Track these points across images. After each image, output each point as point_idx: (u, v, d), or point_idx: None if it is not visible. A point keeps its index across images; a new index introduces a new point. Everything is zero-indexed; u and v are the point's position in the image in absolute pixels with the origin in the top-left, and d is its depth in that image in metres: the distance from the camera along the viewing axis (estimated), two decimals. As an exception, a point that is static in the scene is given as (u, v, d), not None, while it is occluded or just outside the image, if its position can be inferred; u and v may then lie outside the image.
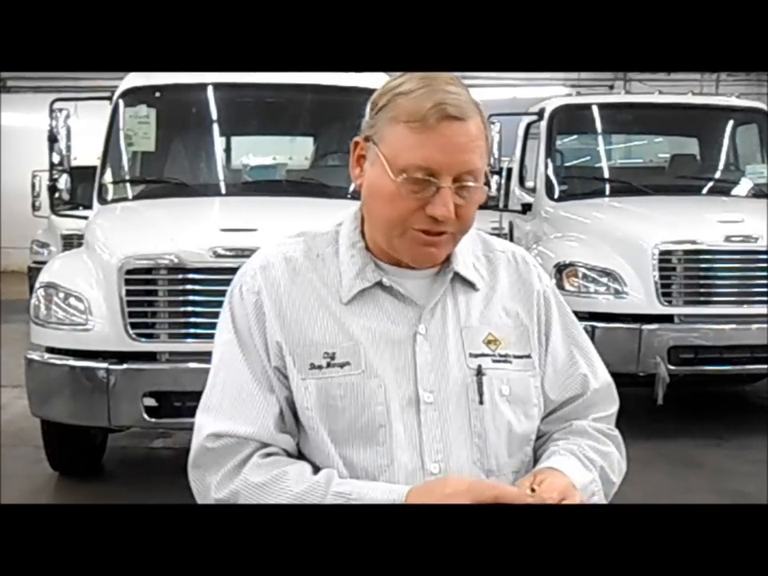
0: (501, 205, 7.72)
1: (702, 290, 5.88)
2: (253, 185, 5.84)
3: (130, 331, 4.47)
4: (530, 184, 7.62)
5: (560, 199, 7.03)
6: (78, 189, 5.95)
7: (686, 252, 5.85)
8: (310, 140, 6.27)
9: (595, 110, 7.48)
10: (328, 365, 1.42)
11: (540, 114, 7.39)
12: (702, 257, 5.85)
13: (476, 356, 1.46)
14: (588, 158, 7.99)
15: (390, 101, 1.39)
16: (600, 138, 7.62)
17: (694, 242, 5.86)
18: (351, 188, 5.26)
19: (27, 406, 4.76)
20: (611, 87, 15.26)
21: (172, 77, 5.27)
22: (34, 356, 4.65)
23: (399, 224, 1.40)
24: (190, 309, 4.47)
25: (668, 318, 5.82)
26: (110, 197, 5.49)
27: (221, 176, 5.73)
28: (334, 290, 1.46)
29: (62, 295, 4.65)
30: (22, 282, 11.50)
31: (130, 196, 5.57)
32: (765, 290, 5.79)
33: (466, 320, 1.48)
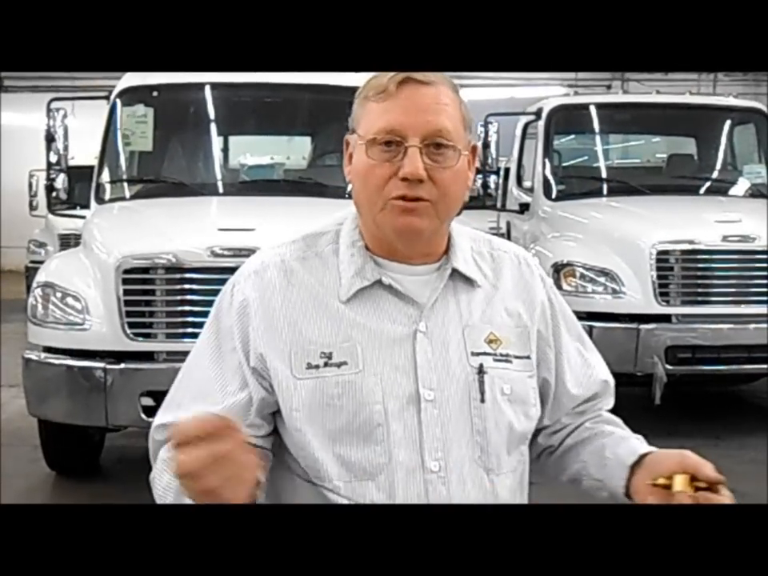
0: (498, 205, 7.73)
1: (699, 290, 5.89)
2: (250, 184, 5.84)
3: (128, 331, 4.47)
4: (527, 184, 7.62)
5: (557, 199, 7.04)
6: (75, 188, 5.95)
7: (684, 252, 5.85)
8: (307, 139, 6.27)
9: (593, 109, 7.49)
10: (325, 364, 1.41)
11: (538, 113, 7.39)
12: (699, 257, 5.86)
13: (477, 355, 1.46)
14: (586, 157, 8.00)
15: (363, 88, 1.44)
16: (597, 138, 7.62)
17: (691, 242, 5.86)
18: (349, 187, 5.26)
19: (25, 405, 4.76)
20: (609, 87, 15.27)
21: (169, 76, 5.27)
22: (32, 355, 4.65)
23: (377, 195, 1.40)
24: (187, 308, 4.47)
25: (665, 318, 5.82)
26: (107, 196, 5.49)
27: (218, 176, 5.73)
28: (332, 289, 1.46)
29: (59, 295, 4.64)
30: (19, 282, 11.50)
31: (128, 195, 5.57)
32: (762, 289, 5.79)
33: (468, 318, 1.48)
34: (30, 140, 8.69)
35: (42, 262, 6.25)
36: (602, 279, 5.95)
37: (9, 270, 15.12)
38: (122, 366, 4.45)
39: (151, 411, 4.40)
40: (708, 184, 7.19)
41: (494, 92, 14.34)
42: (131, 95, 5.56)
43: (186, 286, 4.49)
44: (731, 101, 7.72)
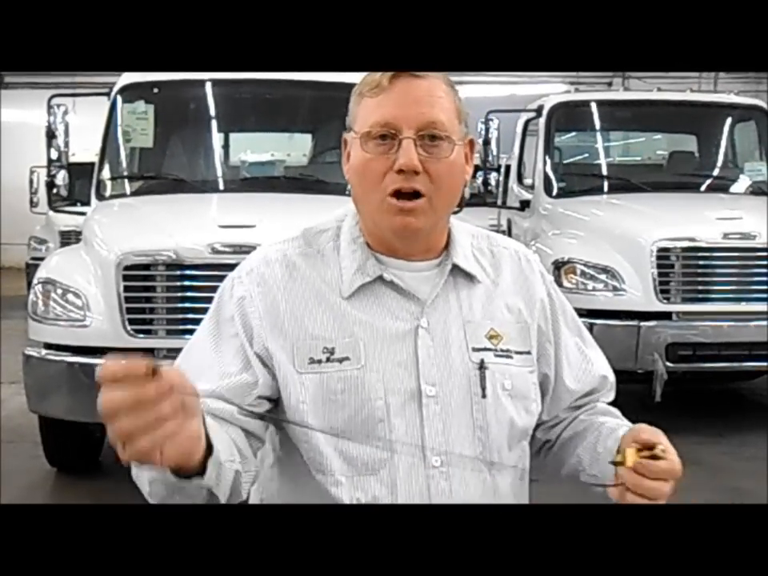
0: (499, 202, 7.74)
1: (700, 287, 5.89)
2: (251, 181, 5.84)
3: (128, 327, 4.47)
4: (528, 181, 7.62)
5: (558, 196, 7.04)
6: (76, 185, 5.95)
7: (685, 249, 5.85)
8: (308, 136, 6.27)
9: (594, 107, 7.48)
10: (327, 359, 1.42)
11: (539, 111, 7.39)
12: (700, 254, 5.86)
13: (478, 350, 1.46)
14: (586, 155, 7.99)
15: (358, 85, 1.44)
16: (598, 135, 7.62)
17: (692, 240, 5.86)
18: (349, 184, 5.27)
19: (25, 402, 4.76)
20: (610, 84, 15.26)
21: (170, 73, 5.26)
22: (32, 352, 4.65)
23: (374, 190, 1.40)
24: (188, 305, 4.47)
25: (666, 315, 5.82)
26: (108, 193, 5.49)
27: (219, 172, 5.73)
28: (334, 285, 1.46)
29: (59, 291, 4.64)
30: (20, 279, 11.51)
31: (128, 192, 5.57)
32: (763, 287, 5.79)
33: (469, 314, 1.48)
34: (31, 137, 8.69)
35: (42, 259, 6.25)
36: (602, 276, 5.95)
37: (9, 267, 15.13)
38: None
39: (152, 408, 4.40)
40: (709, 181, 7.19)
41: (494, 89, 14.34)
42: (132, 92, 5.55)
43: (187, 283, 4.48)
44: (732, 98, 7.71)
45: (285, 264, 1.48)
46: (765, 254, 5.79)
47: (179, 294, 4.50)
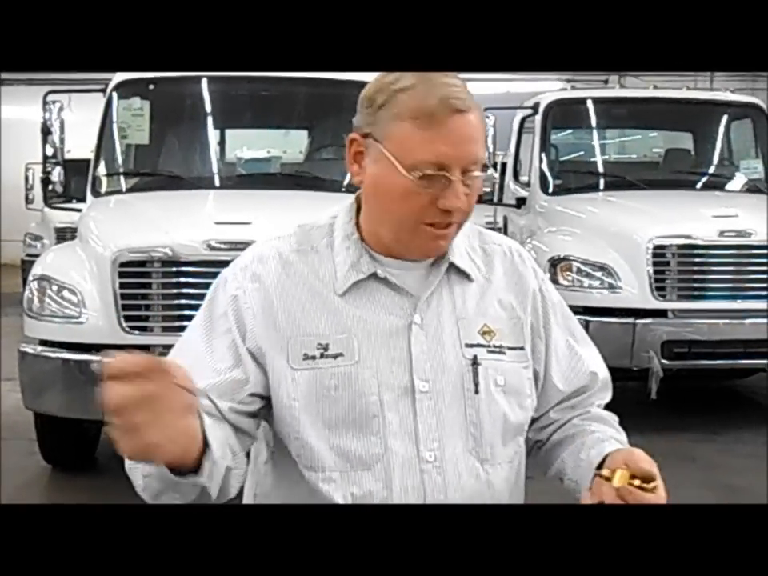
0: (495, 199, 7.72)
1: (695, 285, 5.90)
2: (247, 178, 5.83)
3: (124, 324, 4.47)
4: (524, 178, 7.62)
5: (554, 193, 7.04)
6: (71, 181, 5.94)
7: (680, 247, 5.86)
8: (304, 133, 6.27)
9: (590, 104, 7.48)
10: (321, 355, 1.42)
11: (535, 108, 7.39)
12: (695, 251, 5.87)
13: (471, 346, 1.47)
14: (582, 152, 7.99)
15: (391, 97, 1.38)
16: (594, 133, 7.61)
17: (688, 237, 5.87)
18: (346, 181, 5.27)
19: (21, 399, 4.75)
20: (606, 82, 15.26)
21: (166, 69, 5.26)
22: (28, 349, 4.65)
23: (411, 220, 1.40)
24: (183, 302, 4.46)
25: (662, 313, 5.83)
26: (103, 189, 5.48)
27: (215, 169, 5.72)
28: (328, 281, 1.46)
29: (55, 288, 4.64)
30: (15, 275, 11.50)
31: (124, 189, 5.56)
32: (759, 284, 5.80)
33: (462, 310, 1.49)
34: (27, 133, 8.67)
35: (38, 256, 6.24)
36: (598, 274, 5.95)
37: (5, 264, 15.09)
38: (119, 359, 4.44)
39: (147, 405, 4.40)
40: (705, 179, 7.20)
41: (490, 86, 14.30)
42: (127, 88, 5.54)
43: (183, 280, 4.48)
44: (728, 96, 7.72)
45: (279, 260, 1.48)
46: (760, 251, 5.80)
47: (175, 291, 4.50)
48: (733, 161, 7.58)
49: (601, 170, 7.36)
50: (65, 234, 9.44)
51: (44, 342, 4.64)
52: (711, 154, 7.54)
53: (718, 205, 6.36)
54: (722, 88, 8.28)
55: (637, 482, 1.34)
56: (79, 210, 5.52)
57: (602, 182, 7.14)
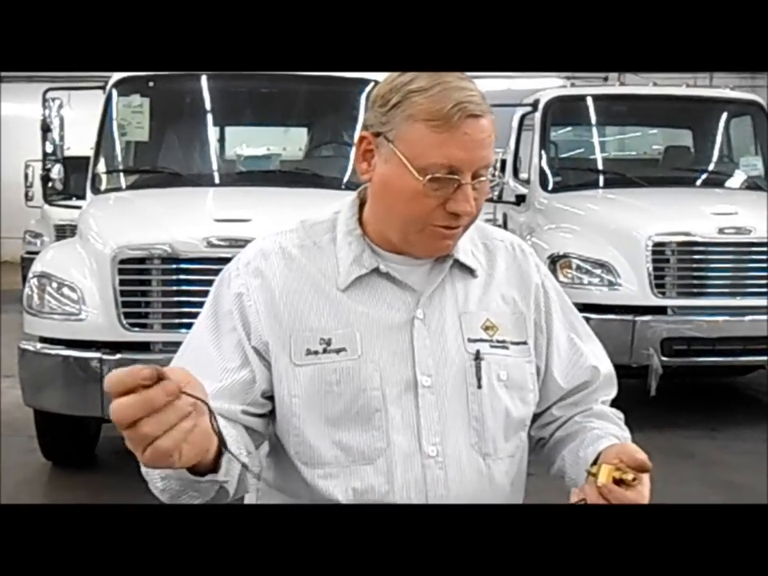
0: (495, 196, 7.72)
1: (695, 282, 5.90)
2: (246, 175, 5.83)
3: (124, 321, 4.47)
4: (524, 175, 7.62)
5: (554, 191, 7.04)
6: (71, 179, 5.94)
7: (680, 244, 5.86)
8: (303, 130, 6.26)
9: (590, 101, 7.48)
10: (324, 350, 1.43)
11: (534, 105, 7.38)
12: (695, 249, 5.87)
13: (474, 341, 1.47)
14: (582, 149, 7.99)
15: (405, 98, 1.38)
16: (594, 130, 7.61)
17: (687, 234, 5.87)
18: (345, 178, 5.27)
19: (20, 396, 4.75)
20: (606, 79, 15.25)
21: (166, 66, 5.25)
22: (28, 346, 4.65)
23: (419, 221, 1.41)
24: (183, 299, 4.47)
25: (661, 310, 5.83)
26: (103, 187, 5.48)
27: (214, 166, 5.72)
28: (331, 277, 1.47)
29: (55, 285, 4.64)
30: (15, 272, 11.50)
31: (124, 186, 5.56)
32: (758, 281, 5.81)
33: (465, 306, 1.49)
34: (26, 130, 8.67)
35: (37, 253, 6.25)
36: (598, 271, 5.96)
37: (5, 261, 15.10)
38: (118, 356, 4.45)
39: (147, 401, 4.40)
40: (704, 176, 7.20)
41: (491, 83, 14.31)
42: (127, 85, 5.54)
43: (182, 277, 4.48)
44: (728, 93, 7.72)
45: (282, 256, 1.48)
46: (760, 248, 5.80)
47: (174, 288, 4.50)
48: (732, 158, 7.58)
49: (600, 167, 7.35)
50: (64, 232, 9.46)
51: (44, 339, 4.64)
52: (711, 151, 7.54)
53: (718, 202, 6.36)
54: (722, 85, 8.28)
55: (619, 475, 1.32)
56: (79, 207, 5.52)
57: (601, 179, 7.14)
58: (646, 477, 1.35)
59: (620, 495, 1.31)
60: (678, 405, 6.46)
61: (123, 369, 1.11)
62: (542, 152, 7.18)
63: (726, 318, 5.81)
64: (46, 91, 5.62)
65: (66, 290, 4.61)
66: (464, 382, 1.45)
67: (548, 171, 7.16)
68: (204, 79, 5.58)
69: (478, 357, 1.46)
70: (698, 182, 7.08)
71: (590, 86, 9.16)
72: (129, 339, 4.49)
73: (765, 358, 5.88)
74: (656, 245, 5.82)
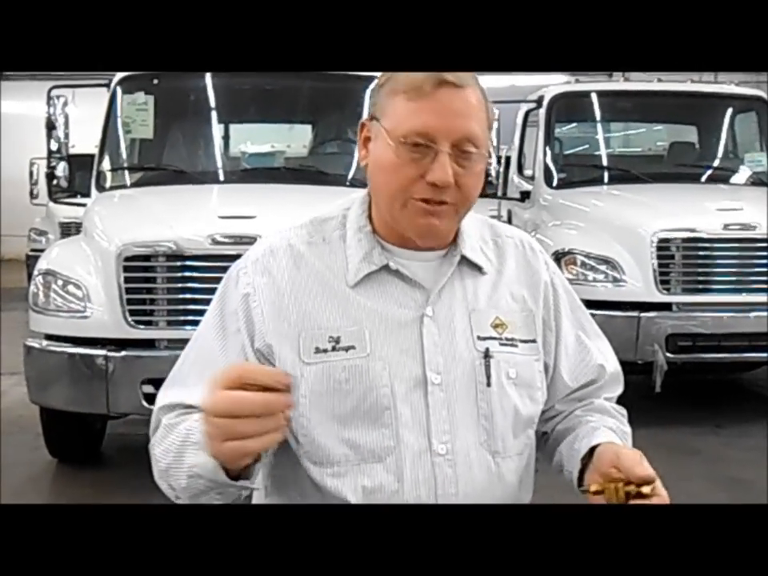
0: (499, 193, 7.71)
1: (700, 278, 5.88)
2: (251, 172, 5.84)
3: (129, 318, 4.48)
4: (528, 172, 7.61)
5: (558, 187, 7.03)
6: (76, 176, 5.94)
7: (685, 240, 5.84)
8: (308, 127, 6.27)
9: (594, 97, 7.47)
10: (333, 348, 1.42)
11: (539, 101, 7.38)
12: (700, 245, 5.85)
13: (484, 339, 1.47)
14: (587, 145, 7.98)
15: (391, 77, 1.42)
16: (599, 126, 7.60)
17: (692, 230, 5.86)
18: (350, 175, 5.27)
19: (26, 393, 4.77)
20: (610, 75, 15.22)
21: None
22: (33, 343, 4.66)
23: (400, 194, 1.40)
24: (188, 296, 4.47)
25: (666, 306, 5.82)
26: (108, 184, 5.48)
27: (219, 163, 5.72)
28: (340, 274, 1.46)
29: (60, 282, 4.65)
30: (20, 270, 11.52)
31: (128, 183, 5.57)
32: (763, 278, 5.79)
33: (474, 303, 1.49)
34: (31, 128, 8.68)
35: (42, 250, 6.25)
36: (602, 267, 5.95)
37: (9, 259, 15.13)
38: (124, 353, 4.46)
39: (152, 399, 4.37)
40: (709, 172, 7.18)
41: (494, 79, 14.30)
42: (131, 83, 5.55)
43: (187, 274, 4.49)
44: (733, 89, 7.69)
45: (290, 253, 1.48)
46: (765, 244, 5.78)
47: (179, 285, 4.50)
48: (737, 154, 7.57)
49: (605, 163, 7.34)
50: (69, 229, 9.48)
51: (49, 337, 4.65)
52: (716, 147, 7.52)
53: (723, 198, 6.34)
54: (727, 81, 8.25)
55: (634, 490, 1.32)
56: (84, 205, 5.53)
57: (606, 175, 7.13)
58: (660, 483, 1.35)
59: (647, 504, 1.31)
60: (683, 401, 6.46)
61: (258, 366, 1.21)
62: (547, 148, 7.18)
63: (731, 314, 5.80)
64: (50, 89, 5.62)
65: (71, 288, 4.62)
66: (473, 380, 1.45)
67: (552, 168, 7.15)
68: (208, 77, 5.58)
69: (487, 355, 1.46)
70: (703, 178, 7.06)
71: (595, 82, 9.14)
72: (134, 336, 4.50)
73: (770, 354, 5.87)
74: (661, 241, 5.81)
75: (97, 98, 5.77)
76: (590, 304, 6.21)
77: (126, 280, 4.49)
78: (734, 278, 5.86)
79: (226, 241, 4.40)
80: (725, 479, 4.85)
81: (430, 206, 1.39)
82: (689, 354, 5.89)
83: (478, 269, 1.51)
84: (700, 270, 5.88)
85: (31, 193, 10.87)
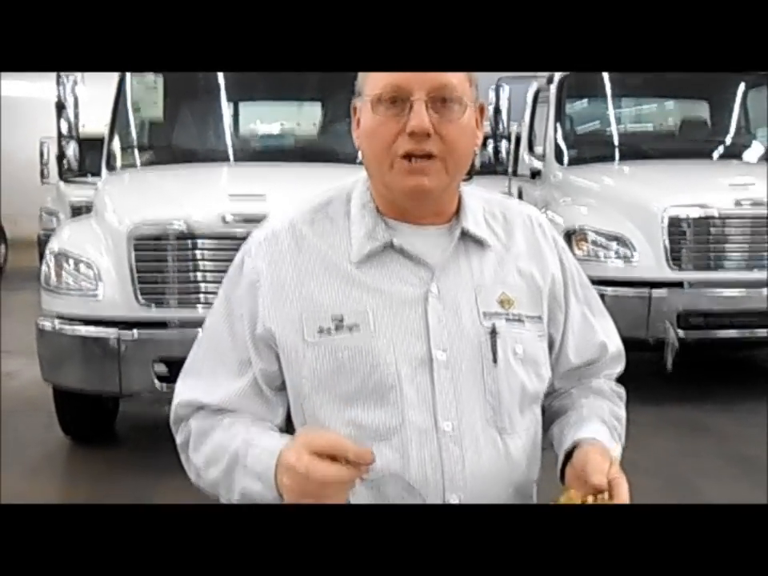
0: (510, 171, 7.70)
1: (711, 255, 5.86)
2: (261, 151, 5.83)
3: (140, 298, 4.49)
4: (539, 150, 7.58)
5: (569, 164, 7.01)
6: (86, 157, 5.95)
7: (696, 217, 5.82)
8: (317, 106, 6.25)
9: (605, 74, 7.42)
10: (336, 328, 1.42)
11: (549, 78, 7.34)
12: (711, 221, 5.83)
13: (489, 315, 1.46)
14: (597, 122, 7.93)
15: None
16: (609, 103, 7.56)
17: (703, 207, 5.83)
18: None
19: (39, 373, 4.80)
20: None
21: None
22: (45, 323, 4.68)
23: (385, 153, 1.40)
24: (199, 275, 4.48)
25: (677, 284, 5.81)
26: (118, 164, 5.50)
27: (229, 143, 5.72)
28: (343, 252, 1.46)
29: (72, 262, 4.66)
30: (31, 251, 11.54)
31: (138, 163, 5.58)
32: (775, 254, 5.77)
33: (480, 279, 1.48)
34: (41, 109, 8.67)
35: (54, 231, 6.27)
36: (613, 245, 5.93)
37: (20, 239, 15.16)
38: (135, 333, 4.48)
39: (164, 378, 4.45)
40: (721, 148, 7.14)
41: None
42: (141, 62, 5.54)
43: (198, 253, 4.50)
44: (745, 64, 7.62)
45: (292, 234, 1.48)
46: (777, 221, 5.76)
47: (190, 265, 4.51)
48: (749, 129, 7.51)
49: (616, 140, 7.30)
50: (80, 209, 9.47)
51: (61, 317, 4.67)
52: (727, 122, 7.46)
53: (735, 174, 6.31)
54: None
55: (592, 501, 1.35)
56: (94, 185, 5.54)
57: (617, 152, 7.09)
58: (622, 487, 1.36)
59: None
60: (694, 378, 6.45)
61: (348, 442, 1.31)
62: (557, 126, 7.15)
63: (743, 291, 5.78)
64: (59, 69, 5.62)
65: (82, 268, 4.64)
66: (479, 357, 1.44)
67: (563, 145, 7.12)
68: (217, 55, 5.57)
69: (493, 331, 1.45)
70: (715, 155, 7.02)
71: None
72: (145, 316, 4.51)
73: (782, 331, 5.85)
74: (672, 218, 5.79)
75: (106, 79, 5.76)
76: (600, 282, 6.21)
77: (137, 259, 4.51)
78: (745, 255, 5.84)
79: (237, 220, 4.40)
80: (736, 457, 4.85)
81: (416, 163, 1.38)
82: (700, 331, 5.87)
83: (483, 244, 1.49)
84: (711, 246, 5.85)
85: (42, 173, 10.88)
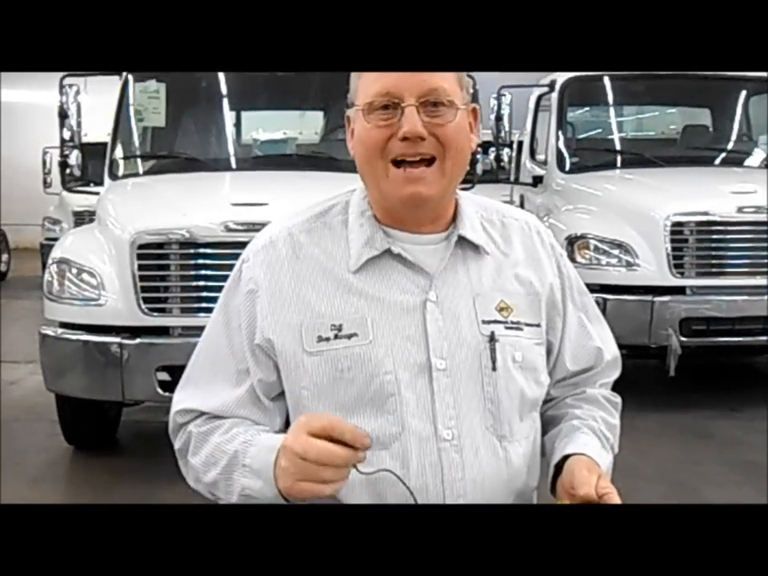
0: (512, 178, 7.70)
1: (714, 262, 5.87)
2: (263, 159, 5.84)
3: (143, 306, 4.50)
4: (540, 157, 7.58)
5: (571, 171, 7.01)
6: (89, 165, 5.96)
7: (698, 223, 5.83)
8: (319, 114, 6.26)
9: (606, 81, 7.42)
10: (335, 336, 1.42)
11: (551, 86, 7.34)
12: (714, 228, 5.83)
13: (488, 323, 1.46)
14: (599, 129, 7.94)
15: None
16: (611, 110, 7.56)
17: (706, 214, 5.84)
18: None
19: (41, 381, 4.80)
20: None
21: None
22: (48, 331, 4.69)
23: (379, 160, 1.40)
24: (201, 283, 4.49)
25: (680, 290, 5.81)
26: (120, 172, 5.50)
27: (231, 151, 5.73)
28: (341, 260, 1.46)
29: (74, 271, 4.67)
30: (34, 259, 11.57)
31: (141, 171, 5.58)
32: (777, 261, 5.76)
33: (478, 286, 1.48)
34: (44, 117, 8.70)
35: (56, 239, 6.28)
36: (615, 251, 5.94)
37: (24, 248, 15.18)
38: (138, 340, 4.48)
39: (167, 386, 4.45)
40: (723, 155, 7.14)
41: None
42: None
43: (200, 261, 4.51)
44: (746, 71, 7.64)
45: (290, 243, 1.48)
46: (779, 227, 5.76)
47: (193, 273, 4.53)
48: (751, 136, 7.51)
49: (618, 147, 7.30)
50: (83, 218, 9.51)
51: (64, 325, 4.68)
52: (729, 129, 7.47)
53: (737, 181, 6.31)
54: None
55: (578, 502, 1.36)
56: (97, 194, 5.55)
57: (619, 159, 7.09)
58: (614, 502, 1.36)
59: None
60: (697, 385, 6.44)
61: (345, 423, 1.28)
62: (559, 133, 7.15)
63: (745, 297, 5.78)
64: (62, 78, 5.63)
65: (85, 276, 4.64)
66: (479, 365, 1.44)
67: (565, 152, 7.13)
68: (220, 64, 5.58)
69: (492, 339, 1.45)
70: (717, 161, 7.02)
71: (607, 66, 9.08)
72: (148, 324, 4.52)
73: (784, 337, 5.85)
74: (674, 224, 5.79)
75: (109, 87, 5.78)
76: (603, 288, 6.21)
77: (140, 268, 4.51)
78: (748, 261, 5.84)
79: (239, 228, 4.41)
80: (739, 463, 4.84)
81: (411, 171, 1.39)
82: (703, 337, 5.87)
83: (480, 250, 1.49)
84: (714, 253, 5.86)
85: (44, 182, 10.91)
